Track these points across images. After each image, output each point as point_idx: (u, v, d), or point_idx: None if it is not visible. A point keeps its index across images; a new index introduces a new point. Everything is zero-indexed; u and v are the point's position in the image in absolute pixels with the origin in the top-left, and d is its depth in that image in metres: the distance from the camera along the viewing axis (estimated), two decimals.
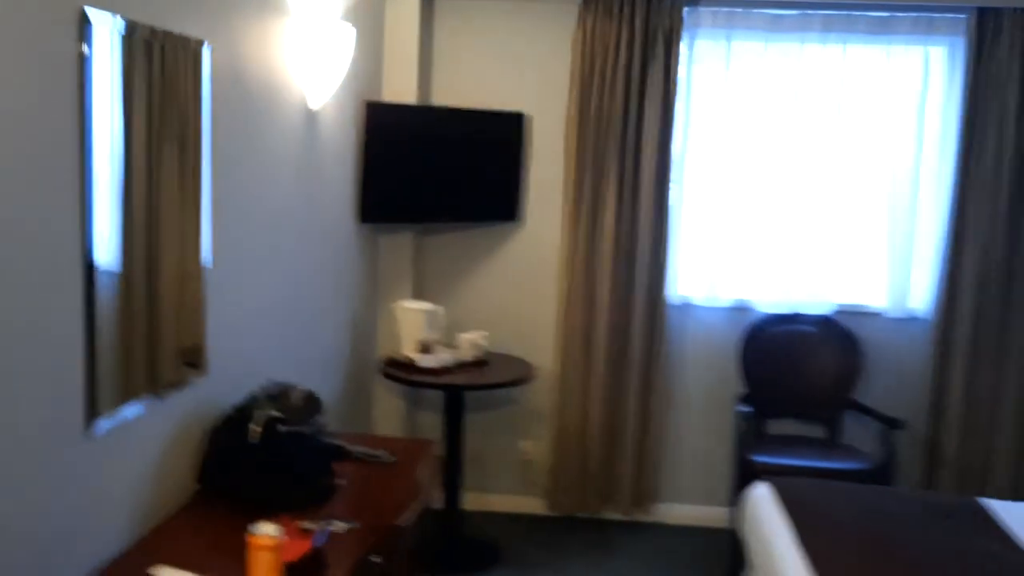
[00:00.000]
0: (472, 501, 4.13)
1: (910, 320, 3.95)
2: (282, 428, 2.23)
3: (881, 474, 3.55)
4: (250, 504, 2.13)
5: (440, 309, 3.75)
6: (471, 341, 3.73)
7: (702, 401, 4.13)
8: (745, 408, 3.76)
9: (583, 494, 4.11)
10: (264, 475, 2.18)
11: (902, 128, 3.87)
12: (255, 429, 2.20)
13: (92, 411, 1.77)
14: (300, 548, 1.87)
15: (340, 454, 2.50)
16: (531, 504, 4.23)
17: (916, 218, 3.89)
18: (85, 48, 1.66)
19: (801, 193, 3.93)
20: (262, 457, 2.18)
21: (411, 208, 3.84)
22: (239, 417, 2.25)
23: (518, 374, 3.66)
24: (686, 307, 4.08)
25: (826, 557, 2.43)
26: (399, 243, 3.98)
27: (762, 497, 2.91)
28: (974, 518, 2.73)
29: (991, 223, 3.76)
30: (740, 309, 4.05)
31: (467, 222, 4.09)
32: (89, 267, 1.73)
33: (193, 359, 2.23)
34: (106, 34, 1.73)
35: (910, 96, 3.86)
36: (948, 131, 3.81)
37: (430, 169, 3.83)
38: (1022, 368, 3.81)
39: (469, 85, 4.03)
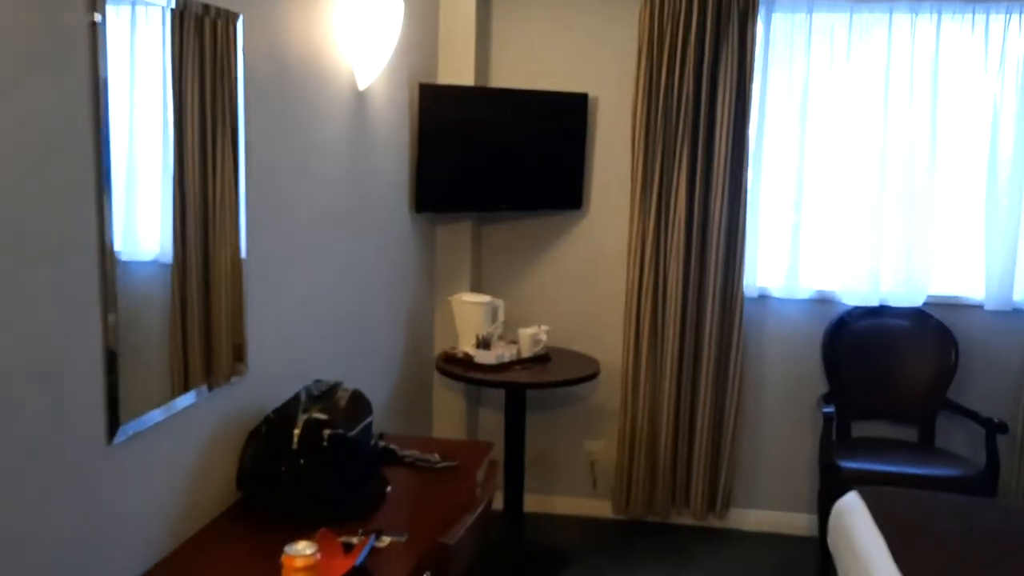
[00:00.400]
0: (535, 503, 3.94)
1: (1013, 313, 3.61)
2: (325, 432, 2.06)
3: (982, 482, 3.24)
4: (290, 515, 1.97)
5: (500, 302, 3.56)
6: (532, 336, 3.53)
7: (781, 400, 3.86)
8: (829, 408, 3.47)
9: (652, 497, 3.88)
10: (305, 484, 2.01)
11: (1002, 104, 3.52)
12: (297, 433, 2.04)
13: (113, 417, 1.62)
14: (340, 568, 1.70)
15: (390, 459, 2.32)
16: (597, 507, 4.02)
17: (1021, 201, 3.54)
18: (97, 16, 1.50)
19: (889, 175, 3.62)
20: (303, 464, 2.01)
21: (469, 196, 3.65)
22: (279, 420, 2.08)
23: (582, 371, 3.45)
24: (764, 299, 3.80)
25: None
26: (456, 233, 3.79)
27: (853, 508, 2.64)
28: None
29: None
30: (823, 301, 3.75)
31: (528, 210, 3.89)
32: (105, 256, 1.58)
33: (232, 356, 2.07)
34: (121, 3, 1.57)
35: (1011, 69, 3.51)
36: None
37: (488, 155, 3.63)
38: None
39: (529, 65, 3.82)
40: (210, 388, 1.98)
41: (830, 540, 2.74)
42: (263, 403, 2.19)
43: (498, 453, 3.60)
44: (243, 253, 2.07)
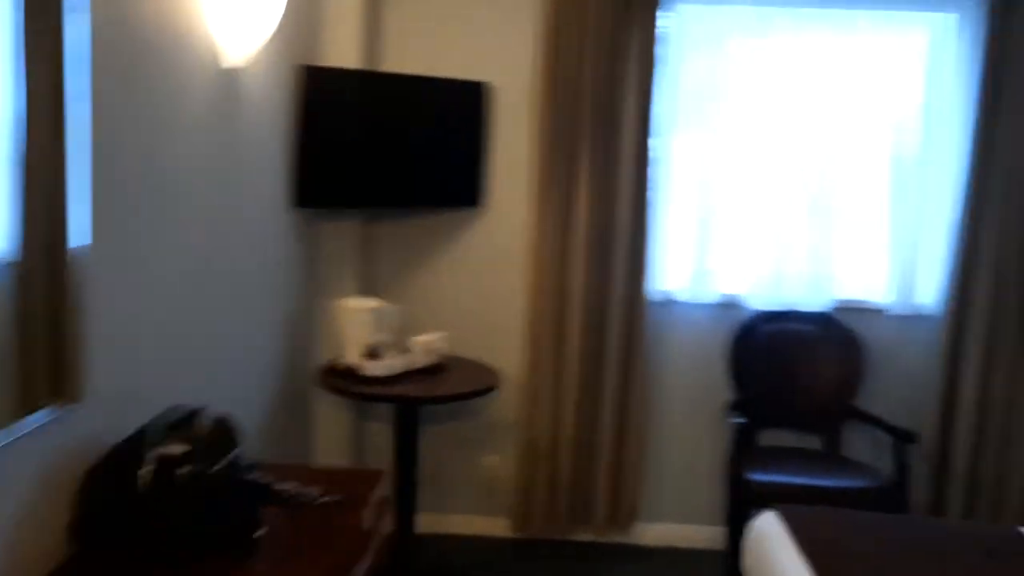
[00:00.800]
0: (429, 523, 3.64)
1: (917, 317, 3.54)
2: (181, 469, 1.71)
3: (892, 494, 3.14)
4: (140, 571, 1.62)
5: (391, 308, 3.25)
6: (427, 344, 3.24)
7: (686, 409, 3.69)
8: (737, 419, 3.32)
9: (553, 513, 3.65)
10: (156, 534, 1.67)
11: (908, 107, 3.46)
12: (144, 474, 1.69)
13: None
14: None
15: (263, 497, 1.99)
16: (495, 526, 3.76)
17: (924, 205, 3.49)
18: None
19: (796, 179, 3.51)
20: (151, 511, 1.67)
21: (356, 191, 3.32)
22: (124, 457, 1.73)
23: (480, 383, 3.18)
24: (669, 303, 3.63)
25: None
26: (342, 232, 3.46)
27: (772, 532, 2.47)
28: (1018, 555, 2.32)
29: (1010, 209, 3.37)
30: (729, 306, 3.61)
31: (422, 207, 3.59)
32: None
33: (62, 379, 1.70)
34: None
35: (918, 71, 3.45)
36: (961, 109, 3.39)
37: (379, 146, 3.32)
38: None
39: (424, 50, 3.52)
40: (33, 418, 1.60)
41: (746, 564, 2.57)
42: (106, 436, 1.82)
43: (388, 471, 3.29)
44: (78, 253, 1.70)
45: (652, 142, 3.44)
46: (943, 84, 3.43)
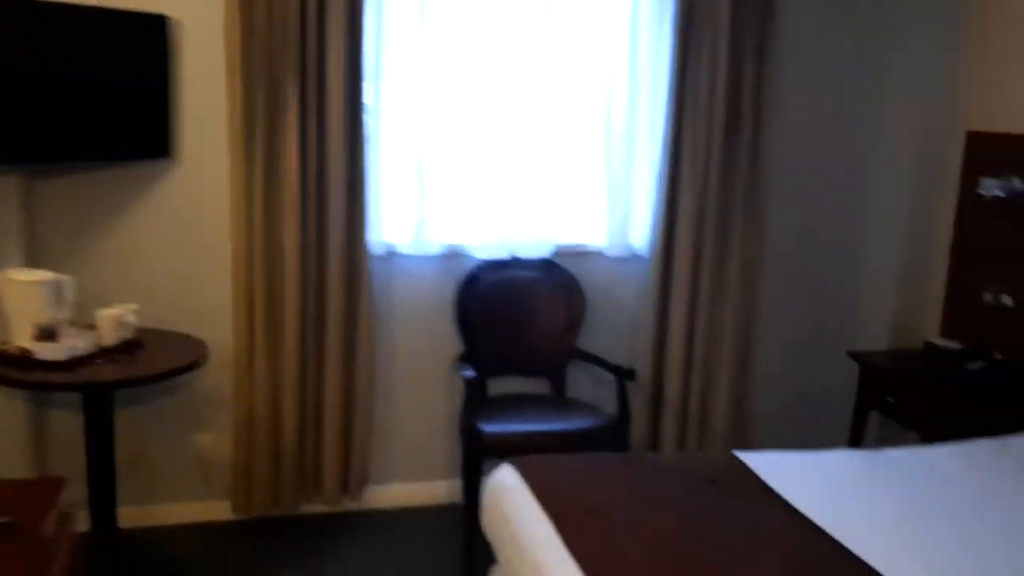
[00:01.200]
0: (134, 517, 3.23)
1: (631, 259, 3.65)
2: None
3: (616, 431, 3.23)
4: None
5: (67, 279, 2.76)
6: (115, 319, 2.80)
7: (415, 364, 3.56)
8: (468, 372, 3.23)
9: (278, 489, 3.38)
10: None
11: (615, 58, 3.49)
12: None
13: None
14: None
15: None
16: (214, 510, 3.42)
17: (633, 152, 3.56)
18: None
19: (513, 127, 3.43)
20: None
21: (13, 143, 2.76)
22: None
23: (185, 357, 2.81)
24: (392, 257, 3.44)
25: (595, 555, 1.98)
26: (0, 192, 2.89)
27: (510, 487, 2.40)
28: (739, 480, 2.43)
29: (706, 156, 3.53)
30: (453, 256, 3.49)
31: (98, 161, 3.08)
32: None
33: None
34: None
35: (623, 23, 3.48)
36: (661, 60, 3.49)
37: (39, 89, 2.77)
38: (739, 305, 3.67)
39: None
40: None
41: (485, 521, 2.49)
42: None
43: (78, 466, 2.85)
44: None
45: (364, 87, 3.20)
46: (647, 36, 3.49)
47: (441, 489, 3.63)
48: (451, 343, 3.51)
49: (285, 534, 3.36)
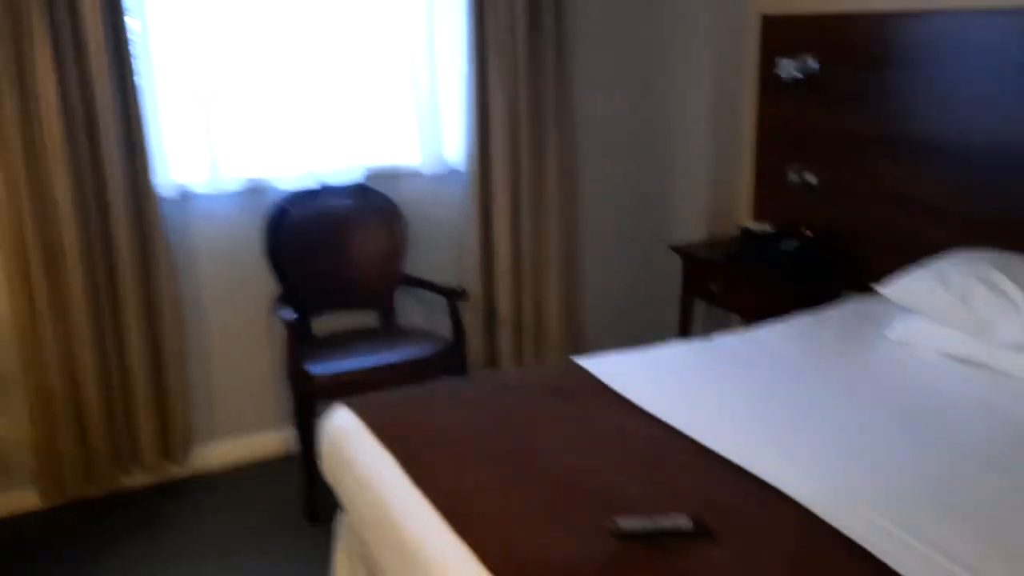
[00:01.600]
0: None
1: (449, 175, 3.49)
2: None
3: (453, 355, 3.11)
4: None
5: None
6: None
7: (228, 311, 3.28)
8: (286, 311, 3.01)
9: (90, 467, 3.07)
10: None
11: None
12: None
13: None
14: None
15: None
16: (18, 501, 3.07)
17: (436, 63, 3.36)
18: None
19: (307, 49, 3.14)
20: None
21: None
22: None
23: None
24: (187, 198, 3.12)
25: (445, 487, 1.88)
26: None
27: (346, 426, 2.24)
28: (580, 385, 2.39)
29: (512, 57, 3.39)
30: (256, 191, 3.21)
31: None
32: None
33: None
34: None
35: None
36: None
37: None
38: (560, 210, 3.61)
39: None
40: None
41: (326, 468, 2.32)
42: None
43: None
44: None
45: (127, 19, 2.81)
46: None
47: (274, 440, 3.42)
48: (266, 285, 3.26)
49: (108, 513, 3.06)
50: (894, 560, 1.53)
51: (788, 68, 3.37)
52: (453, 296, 3.22)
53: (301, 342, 3.10)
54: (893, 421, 2.11)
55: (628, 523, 1.65)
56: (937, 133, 2.93)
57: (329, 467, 2.30)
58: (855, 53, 3.17)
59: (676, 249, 3.63)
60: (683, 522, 1.65)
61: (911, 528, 1.63)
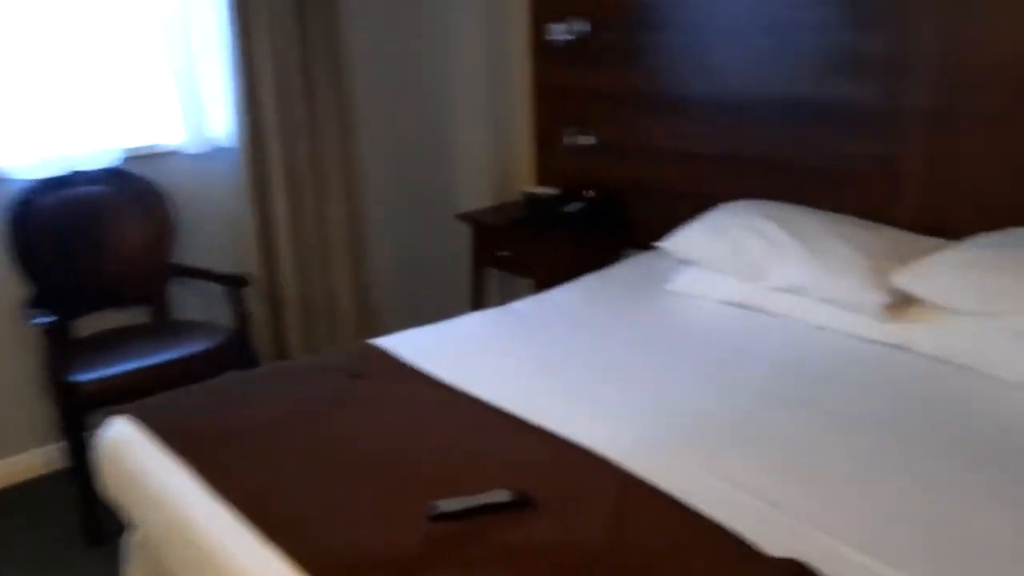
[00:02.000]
0: None
1: (216, 153, 3.24)
2: None
3: (238, 346, 2.91)
4: None
5: None
6: None
7: None
8: (43, 317, 2.68)
9: None
10: None
11: None
12: None
13: None
14: None
15: None
16: None
17: (192, 30, 3.09)
18: None
19: (54, 23, 2.78)
20: None
21: None
22: None
23: None
24: None
25: (249, 490, 1.74)
26: None
27: (126, 438, 2.02)
28: (379, 367, 2.29)
29: (281, 36, 3.18)
30: None
31: None
32: None
33: None
34: None
35: None
36: None
37: None
38: (342, 183, 3.46)
39: None
40: None
41: (106, 485, 2.09)
42: None
43: None
44: None
45: None
46: None
47: (39, 458, 3.06)
48: (13, 287, 2.89)
49: None
50: (708, 506, 1.58)
51: (559, 31, 3.41)
52: (232, 283, 3.00)
53: (61, 348, 2.78)
54: (684, 369, 2.20)
55: (446, 504, 1.60)
56: (696, 90, 3.09)
57: (110, 483, 2.07)
58: (625, 16, 3.26)
59: (463, 217, 3.59)
60: (501, 496, 1.62)
61: (719, 471, 1.70)
